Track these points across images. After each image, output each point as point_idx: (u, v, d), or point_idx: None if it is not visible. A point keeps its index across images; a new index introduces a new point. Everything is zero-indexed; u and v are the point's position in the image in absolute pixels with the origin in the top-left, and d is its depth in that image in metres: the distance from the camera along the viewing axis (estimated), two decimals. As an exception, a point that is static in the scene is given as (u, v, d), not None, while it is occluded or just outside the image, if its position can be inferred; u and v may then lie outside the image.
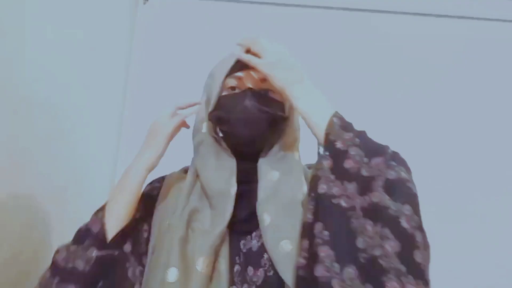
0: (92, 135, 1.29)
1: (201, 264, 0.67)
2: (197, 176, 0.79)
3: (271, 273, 0.68)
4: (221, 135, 0.78)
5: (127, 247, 0.73)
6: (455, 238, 1.39)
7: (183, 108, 0.83)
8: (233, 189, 0.73)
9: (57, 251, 0.72)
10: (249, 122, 0.74)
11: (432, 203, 1.32)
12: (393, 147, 0.68)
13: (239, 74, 0.77)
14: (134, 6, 1.58)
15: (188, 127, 0.83)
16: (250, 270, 0.70)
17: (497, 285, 1.36)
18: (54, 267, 0.70)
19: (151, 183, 0.85)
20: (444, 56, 1.56)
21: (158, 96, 1.46)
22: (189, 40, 1.56)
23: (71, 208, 1.13)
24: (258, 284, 0.68)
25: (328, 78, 1.53)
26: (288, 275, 0.65)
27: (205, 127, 0.79)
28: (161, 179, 0.85)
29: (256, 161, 0.77)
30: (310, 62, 1.50)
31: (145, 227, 0.78)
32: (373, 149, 0.66)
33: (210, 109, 0.77)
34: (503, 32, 1.58)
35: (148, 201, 0.80)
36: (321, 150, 0.68)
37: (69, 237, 0.74)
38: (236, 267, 0.71)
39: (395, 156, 0.66)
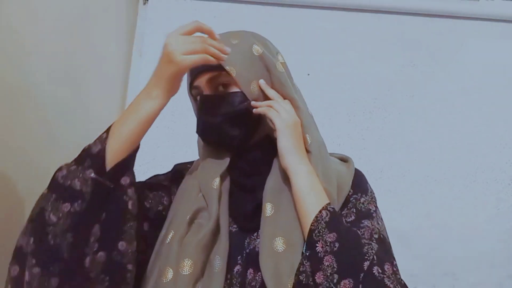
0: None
1: (186, 267, 0.64)
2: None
3: None
4: None
5: (125, 180, 0.68)
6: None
7: (204, 31, 0.67)
8: (216, 181, 0.70)
9: (59, 168, 0.67)
10: (213, 131, 0.71)
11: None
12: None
13: (196, 84, 0.73)
14: (134, 6, 1.59)
15: (216, 62, 0.66)
16: (250, 272, 0.65)
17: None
18: (53, 184, 0.65)
19: (184, 163, 0.85)
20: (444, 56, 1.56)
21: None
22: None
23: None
24: None
25: (328, 77, 1.53)
26: (269, 277, 0.61)
27: None
28: (191, 163, 0.83)
29: (263, 150, 0.73)
30: (309, 61, 1.51)
31: (165, 199, 0.76)
32: (348, 264, 0.59)
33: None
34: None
35: (177, 177, 0.80)
36: (304, 246, 0.63)
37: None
38: (237, 267, 0.67)
39: (367, 279, 0.58)
